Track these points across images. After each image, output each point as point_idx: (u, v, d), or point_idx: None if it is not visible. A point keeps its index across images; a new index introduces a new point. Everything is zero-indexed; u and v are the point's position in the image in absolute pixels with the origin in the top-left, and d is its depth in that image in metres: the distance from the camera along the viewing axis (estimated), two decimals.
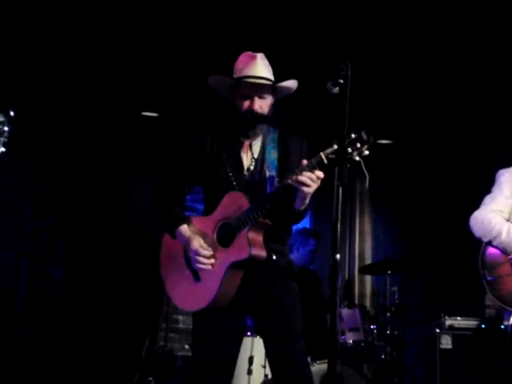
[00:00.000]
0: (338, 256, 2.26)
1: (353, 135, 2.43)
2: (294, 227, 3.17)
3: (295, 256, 5.35)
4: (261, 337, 3.00)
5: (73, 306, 6.05)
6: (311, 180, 2.62)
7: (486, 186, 3.59)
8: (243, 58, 2.98)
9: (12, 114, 2.61)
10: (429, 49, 4.98)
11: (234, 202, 2.81)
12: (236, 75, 2.94)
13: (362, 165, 2.44)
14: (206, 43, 5.07)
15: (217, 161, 2.95)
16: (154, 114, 6.35)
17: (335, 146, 2.48)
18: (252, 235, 2.76)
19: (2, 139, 2.61)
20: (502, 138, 5.56)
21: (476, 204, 3.55)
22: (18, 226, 5.92)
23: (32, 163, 5.95)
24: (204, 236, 2.86)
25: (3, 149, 2.62)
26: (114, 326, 5.95)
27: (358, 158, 2.43)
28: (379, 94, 5.65)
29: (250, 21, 4.77)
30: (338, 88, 2.38)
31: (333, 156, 2.52)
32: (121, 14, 4.75)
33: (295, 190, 2.67)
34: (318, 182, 2.64)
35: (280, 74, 3.01)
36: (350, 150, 2.41)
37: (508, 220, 3.42)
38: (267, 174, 2.90)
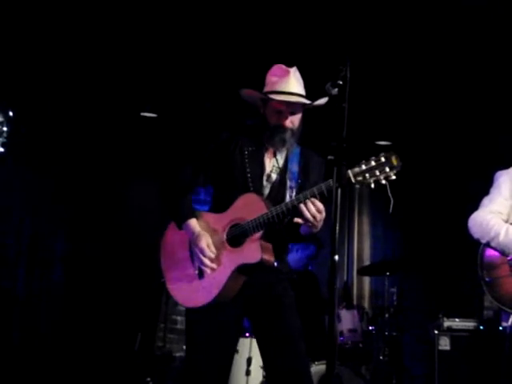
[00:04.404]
0: (336, 257, 2.26)
1: (383, 158, 2.47)
2: None
3: (292, 257, 5.36)
4: (257, 339, 2.95)
5: (72, 306, 6.04)
6: (309, 211, 2.63)
7: (484, 187, 3.58)
8: (277, 70, 2.95)
9: (11, 114, 2.61)
10: (428, 50, 4.99)
11: (249, 204, 2.80)
12: (268, 88, 2.93)
13: (388, 189, 2.46)
14: (204, 44, 5.07)
15: (237, 159, 2.93)
16: (153, 115, 6.35)
17: (363, 167, 2.48)
18: (264, 240, 2.77)
19: (0, 139, 2.60)
20: (501, 140, 5.57)
21: (475, 205, 3.55)
22: (16, 225, 5.92)
23: (31, 163, 5.94)
24: (213, 233, 2.85)
25: (2, 149, 2.61)
26: (113, 327, 5.95)
27: (384, 182, 2.46)
28: (378, 95, 5.66)
29: (248, 21, 4.77)
30: (337, 89, 2.37)
31: (332, 157, 2.52)
32: (120, 15, 4.74)
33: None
34: (317, 213, 2.65)
35: None
36: (377, 172, 2.45)
37: (507, 221, 3.42)
38: (288, 183, 2.90)
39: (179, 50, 5.19)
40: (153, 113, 6.33)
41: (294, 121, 2.90)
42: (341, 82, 2.36)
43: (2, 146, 2.61)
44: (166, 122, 6.36)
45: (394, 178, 2.45)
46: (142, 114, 6.31)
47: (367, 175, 2.46)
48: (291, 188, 2.88)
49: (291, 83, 2.88)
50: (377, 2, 4.47)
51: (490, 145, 5.81)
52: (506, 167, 3.55)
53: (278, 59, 3.02)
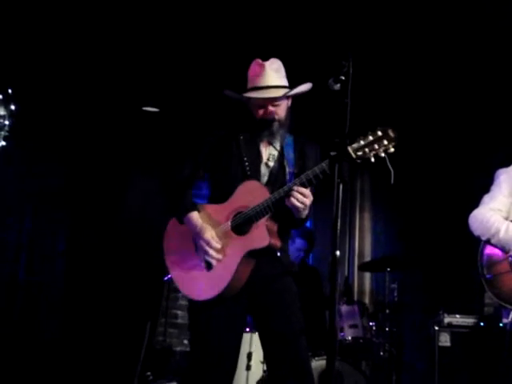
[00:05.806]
0: (337, 252, 2.27)
1: (379, 132, 2.50)
2: None
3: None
4: (260, 334, 2.97)
5: (73, 301, 6.05)
6: (301, 195, 2.69)
7: (485, 185, 3.59)
8: (253, 66, 2.99)
9: (13, 107, 2.61)
10: (430, 47, 4.98)
11: (251, 191, 2.84)
12: (249, 85, 2.97)
13: (387, 161, 2.49)
14: (206, 38, 5.07)
15: (234, 151, 2.97)
16: (155, 109, 6.35)
17: (362, 142, 2.52)
18: (270, 225, 2.80)
19: (2, 133, 2.60)
20: (502, 138, 5.56)
21: (475, 203, 3.55)
22: (17, 220, 5.92)
23: (32, 158, 5.94)
24: (216, 224, 2.87)
25: (4, 143, 2.61)
26: (115, 321, 5.96)
27: (383, 155, 2.51)
28: (381, 91, 5.65)
29: (250, 16, 4.77)
30: (339, 85, 2.38)
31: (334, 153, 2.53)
32: (122, 10, 4.74)
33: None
34: (304, 199, 2.70)
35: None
36: (376, 146, 2.49)
37: (507, 219, 3.43)
38: (286, 169, 2.94)
39: (181, 44, 5.18)
40: (155, 107, 6.32)
41: (277, 111, 2.94)
42: (343, 78, 2.37)
43: (4, 140, 2.61)
44: (168, 117, 6.35)
45: (392, 150, 2.50)
46: (144, 108, 6.30)
47: (366, 150, 2.50)
48: (290, 174, 2.91)
49: (267, 77, 2.91)
50: None
51: (491, 143, 5.80)
52: (507, 165, 3.56)
53: (280, 55, 3.03)
